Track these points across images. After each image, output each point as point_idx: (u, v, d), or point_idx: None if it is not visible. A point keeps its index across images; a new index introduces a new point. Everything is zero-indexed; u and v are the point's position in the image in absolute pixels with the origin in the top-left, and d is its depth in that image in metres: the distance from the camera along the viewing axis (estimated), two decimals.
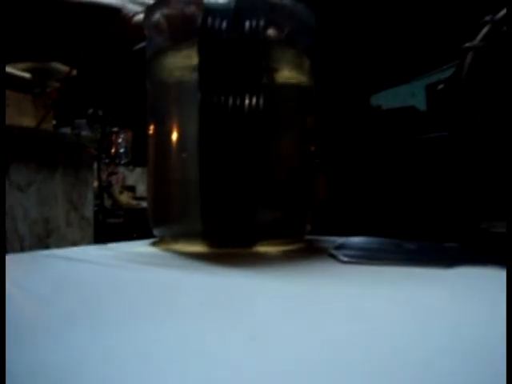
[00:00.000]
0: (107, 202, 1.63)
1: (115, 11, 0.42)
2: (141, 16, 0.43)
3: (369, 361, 0.13)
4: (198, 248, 0.35)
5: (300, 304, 0.20)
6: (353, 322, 0.17)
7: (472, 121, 0.38)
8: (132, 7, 0.44)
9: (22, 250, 1.00)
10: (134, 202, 1.72)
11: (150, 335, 0.15)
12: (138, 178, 1.88)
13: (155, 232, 0.39)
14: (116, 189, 1.70)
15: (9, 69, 0.95)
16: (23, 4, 0.41)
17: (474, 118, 0.38)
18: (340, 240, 0.38)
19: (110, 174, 1.69)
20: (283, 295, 0.22)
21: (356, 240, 0.38)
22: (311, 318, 0.18)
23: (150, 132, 0.39)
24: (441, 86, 0.41)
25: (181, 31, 0.36)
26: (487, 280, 0.26)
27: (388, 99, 0.63)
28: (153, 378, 0.12)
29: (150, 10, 0.38)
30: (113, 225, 1.51)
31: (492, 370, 0.13)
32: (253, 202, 0.34)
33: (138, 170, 1.88)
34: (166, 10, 0.37)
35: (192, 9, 0.36)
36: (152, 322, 0.17)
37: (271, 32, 0.35)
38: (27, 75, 0.98)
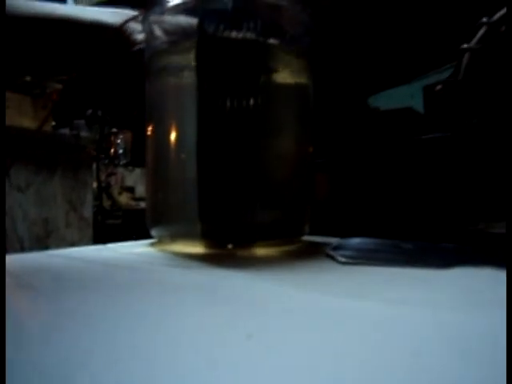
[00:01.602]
0: (106, 203, 1.63)
1: (112, 29, 0.42)
2: (141, 35, 0.42)
3: (367, 361, 0.13)
4: (196, 248, 0.35)
5: (297, 304, 0.20)
6: (350, 323, 0.17)
7: (470, 122, 0.38)
8: (131, 26, 0.44)
9: (22, 250, 1.00)
10: (133, 203, 1.72)
11: (147, 334, 0.16)
12: (137, 179, 1.88)
13: (153, 232, 0.39)
14: (115, 189, 1.70)
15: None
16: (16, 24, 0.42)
17: (471, 119, 0.38)
18: (338, 241, 0.38)
19: (109, 175, 1.69)
20: (281, 295, 0.22)
21: (354, 241, 0.38)
22: (308, 318, 0.18)
23: (149, 133, 0.39)
24: (438, 87, 0.42)
25: (178, 34, 0.36)
26: (485, 281, 0.26)
27: (386, 100, 0.63)
28: (149, 377, 0.12)
29: (146, 15, 0.39)
30: (112, 225, 1.51)
31: (492, 371, 0.13)
32: (251, 203, 0.34)
33: (138, 170, 1.88)
34: (161, 18, 0.37)
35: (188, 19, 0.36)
36: (150, 321, 0.17)
37: (269, 33, 0.35)
38: (27, 76, 0.98)
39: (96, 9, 0.46)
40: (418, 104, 0.52)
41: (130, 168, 1.86)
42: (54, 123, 1.13)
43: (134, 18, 0.42)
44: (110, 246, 0.39)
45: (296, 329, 0.16)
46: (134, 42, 0.43)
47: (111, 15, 0.44)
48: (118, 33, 0.42)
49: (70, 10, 0.44)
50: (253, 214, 0.34)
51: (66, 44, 0.44)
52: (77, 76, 0.47)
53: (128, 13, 0.44)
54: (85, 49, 0.43)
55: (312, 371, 0.13)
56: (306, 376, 0.12)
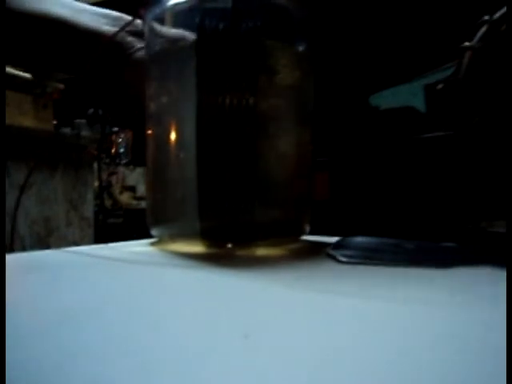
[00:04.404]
0: (107, 202, 1.64)
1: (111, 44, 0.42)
2: (142, 52, 0.42)
3: (366, 362, 0.13)
4: (195, 248, 0.35)
5: (297, 304, 0.20)
6: (350, 323, 0.17)
7: (471, 121, 0.38)
8: (131, 40, 0.43)
9: (23, 249, 1.00)
10: (134, 202, 1.72)
11: (145, 334, 0.16)
12: (138, 178, 1.88)
13: (153, 232, 0.39)
14: (116, 189, 1.71)
15: (9, 69, 0.95)
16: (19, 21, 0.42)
17: (472, 118, 0.38)
18: (338, 240, 0.38)
19: (110, 174, 1.69)
20: (280, 295, 0.22)
21: (355, 240, 0.38)
22: (308, 318, 0.18)
23: (149, 132, 0.39)
24: (440, 86, 0.41)
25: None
26: (486, 280, 0.26)
27: (387, 99, 0.63)
28: (146, 377, 0.12)
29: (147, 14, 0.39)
30: (113, 225, 1.51)
31: (492, 371, 0.13)
32: (250, 202, 0.34)
33: (139, 169, 1.88)
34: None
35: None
36: (147, 321, 0.17)
37: (269, 31, 0.35)
38: (28, 75, 0.98)
39: (93, 10, 0.45)
40: (419, 103, 0.52)
41: (131, 167, 1.87)
42: (55, 122, 1.13)
43: (127, 25, 0.42)
44: (111, 245, 0.39)
45: (295, 329, 0.16)
46: (129, 47, 0.43)
47: (107, 22, 0.43)
48: (111, 41, 0.41)
49: (67, 11, 0.44)
50: (252, 213, 0.34)
51: (62, 46, 0.44)
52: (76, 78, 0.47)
53: (124, 17, 0.44)
54: (80, 53, 0.43)
55: (310, 370, 0.12)
56: (305, 375, 0.12)
